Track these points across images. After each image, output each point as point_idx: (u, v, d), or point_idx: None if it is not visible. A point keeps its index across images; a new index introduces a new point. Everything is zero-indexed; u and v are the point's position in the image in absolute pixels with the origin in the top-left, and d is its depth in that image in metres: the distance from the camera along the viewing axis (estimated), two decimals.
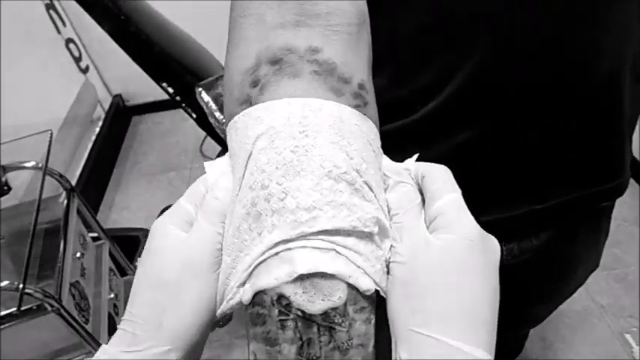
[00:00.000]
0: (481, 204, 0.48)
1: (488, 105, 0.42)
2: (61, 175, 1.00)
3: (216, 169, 0.31)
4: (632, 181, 1.66)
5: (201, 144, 2.23)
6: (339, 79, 0.29)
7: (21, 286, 0.73)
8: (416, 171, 0.30)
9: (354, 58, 0.30)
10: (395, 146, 0.46)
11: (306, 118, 0.27)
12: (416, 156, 0.30)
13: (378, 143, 0.31)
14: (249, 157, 0.28)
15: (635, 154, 1.64)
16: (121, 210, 2.01)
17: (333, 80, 0.29)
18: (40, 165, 0.96)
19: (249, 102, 0.29)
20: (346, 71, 0.29)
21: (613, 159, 0.51)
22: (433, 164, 0.30)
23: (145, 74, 1.20)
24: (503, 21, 0.38)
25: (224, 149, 1.49)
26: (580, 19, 0.39)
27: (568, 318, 1.41)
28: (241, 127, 0.29)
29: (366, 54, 0.31)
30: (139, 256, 1.38)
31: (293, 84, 0.28)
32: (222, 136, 1.04)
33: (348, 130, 0.28)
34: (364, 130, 0.29)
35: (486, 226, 0.49)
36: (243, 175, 0.28)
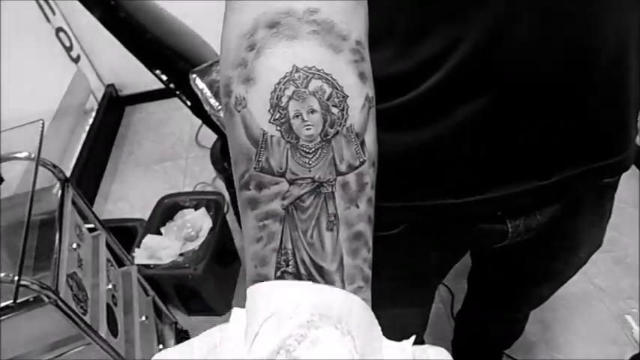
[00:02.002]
0: (485, 181, 0.49)
1: (489, 80, 0.41)
2: (54, 166, 0.98)
3: (240, 321, 0.29)
4: (636, 168, 1.66)
5: (197, 133, 2.21)
6: (337, 36, 0.29)
7: (16, 278, 0.72)
8: (413, 354, 0.28)
9: (352, 16, 0.30)
10: (399, 123, 0.46)
11: (316, 308, 0.26)
12: (413, 338, 0.28)
13: (378, 330, 0.29)
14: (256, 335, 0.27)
15: None
16: (116, 201, 2.00)
17: (331, 37, 0.29)
18: (32, 156, 0.94)
19: (244, 65, 0.29)
20: (344, 28, 0.29)
21: (616, 134, 0.50)
22: (430, 348, 0.28)
23: (138, 63, 1.18)
24: None
25: (220, 137, 1.48)
26: None
27: (567, 300, 1.41)
28: (250, 300, 0.28)
29: (363, 15, 0.31)
30: (137, 247, 1.37)
31: (291, 45, 0.28)
32: (218, 123, 1.02)
33: (354, 324, 0.27)
34: (368, 319, 0.28)
35: (491, 203, 0.49)
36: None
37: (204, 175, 2.00)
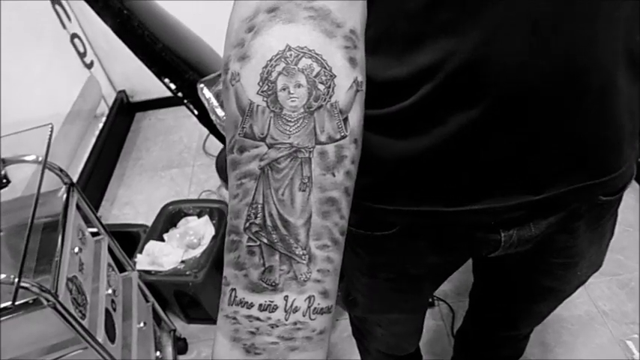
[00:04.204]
0: (476, 192, 0.50)
1: (481, 92, 0.42)
2: (61, 170, 1.00)
3: None
4: (636, 186, 1.65)
5: (204, 141, 2.23)
6: (332, 23, 0.30)
7: (16, 280, 0.72)
8: None
9: (349, 8, 0.31)
10: (392, 130, 0.47)
11: None
12: None
13: None
14: None
15: None
16: (122, 206, 2.01)
17: (326, 24, 0.30)
18: (40, 159, 0.96)
19: (241, 45, 0.30)
20: (340, 17, 0.31)
21: (608, 153, 0.50)
22: None
23: (148, 70, 1.20)
24: (503, 3, 0.38)
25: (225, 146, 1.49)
26: (579, 7, 0.39)
27: (570, 323, 1.39)
28: None
29: (360, 10, 0.32)
30: (139, 253, 1.38)
31: (287, 28, 0.30)
32: (224, 132, 1.03)
33: None
34: None
35: (482, 213, 0.50)
36: None
37: (209, 183, 2.01)
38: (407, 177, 0.50)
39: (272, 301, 0.29)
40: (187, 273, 1.32)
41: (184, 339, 1.44)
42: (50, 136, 0.98)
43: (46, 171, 0.94)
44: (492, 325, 0.95)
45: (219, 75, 1.09)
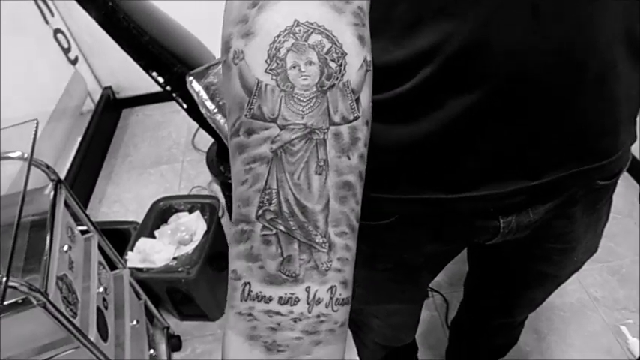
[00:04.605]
0: (475, 178, 0.49)
1: (480, 76, 0.42)
2: (48, 167, 0.97)
3: None
4: (626, 174, 1.67)
5: (193, 137, 2.21)
6: None
7: (5, 279, 0.71)
8: None
9: None
10: (391, 115, 0.46)
11: None
12: None
13: None
14: None
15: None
16: (112, 204, 1.98)
17: None
18: (25, 156, 0.93)
19: (245, 21, 0.28)
20: None
21: (606, 137, 0.51)
22: None
23: (136, 65, 1.18)
24: None
25: (216, 141, 1.47)
26: None
27: (562, 310, 1.41)
28: None
29: None
30: (130, 250, 1.36)
31: (294, 3, 0.28)
32: (214, 126, 1.02)
33: None
34: None
35: (482, 200, 0.49)
36: None
37: (200, 179, 1.99)
38: (406, 164, 0.49)
39: (293, 293, 0.27)
40: (180, 269, 1.30)
41: (178, 336, 1.43)
42: (36, 131, 0.96)
43: (33, 168, 0.92)
44: (488, 313, 0.95)
45: (208, 67, 1.07)
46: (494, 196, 0.50)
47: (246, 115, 0.28)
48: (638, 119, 0.54)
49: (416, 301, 0.82)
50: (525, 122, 0.45)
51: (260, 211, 0.28)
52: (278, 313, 0.27)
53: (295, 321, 0.27)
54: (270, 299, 0.27)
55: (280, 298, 0.27)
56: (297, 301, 0.27)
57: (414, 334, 0.96)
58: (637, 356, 1.26)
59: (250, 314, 0.27)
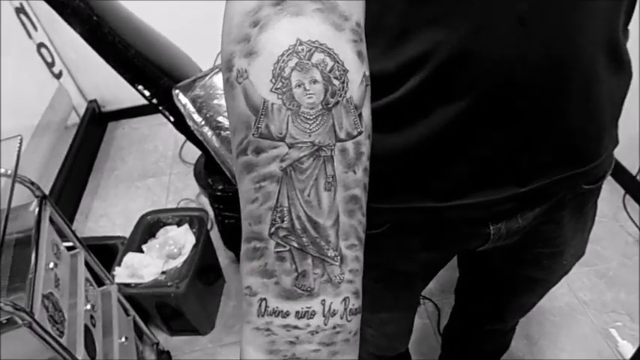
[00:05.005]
0: (464, 186, 0.50)
1: (468, 84, 0.42)
2: (32, 183, 0.96)
3: None
4: (610, 178, 1.69)
5: (180, 149, 2.19)
6: (340, 16, 0.29)
7: None
8: None
9: (353, 1, 0.31)
10: (380, 125, 0.46)
11: None
12: None
13: None
14: None
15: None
16: (98, 218, 1.96)
17: (334, 16, 0.29)
18: (9, 172, 0.92)
19: (247, 40, 0.29)
20: (346, 10, 0.30)
21: (590, 142, 0.52)
22: None
23: (121, 79, 1.17)
24: None
25: (203, 153, 1.47)
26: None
27: (552, 315, 1.42)
28: None
29: (362, 3, 0.32)
30: (118, 265, 1.34)
31: (295, 21, 0.28)
32: (201, 138, 1.01)
33: None
34: None
35: (471, 208, 0.50)
36: None
37: (187, 192, 1.97)
38: (396, 173, 0.50)
39: (310, 307, 0.28)
40: (169, 284, 1.28)
41: (168, 352, 1.40)
42: (19, 147, 0.95)
43: (17, 184, 0.91)
44: (478, 319, 0.95)
45: (195, 80, 1.07)
46: (485, 204, 0.50)
47: (254, 134, 0.29)
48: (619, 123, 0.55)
49: (409, 308, 0.82)
50: (513, 128, 0.46)
51: (273, 229, 0.29)
52: (296, 327, 0.28)
53: (313, 334, 0.28)
54: (287, 314, 0.28)
55: (297, 312, 0.28)
56: (313, 314, 0.28)
57: (407, 342, 0.96)
58: (628, 358, 1.28)
59: (268, 329, 0.28)
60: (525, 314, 0.89)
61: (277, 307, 0.28)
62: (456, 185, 0.50)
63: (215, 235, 1.61)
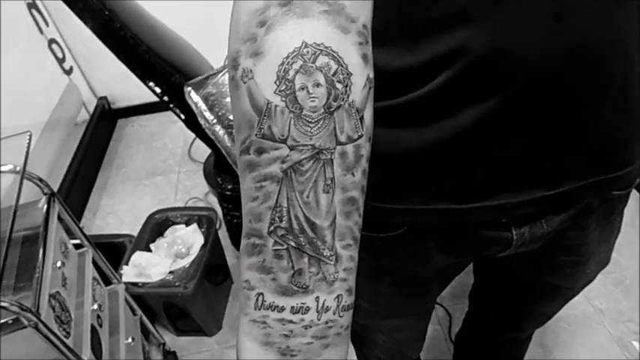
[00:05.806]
0: (488, 188, 0.48)
1: (498, 83, 0.40)
2: (40, 180, 0.94)
3: None
4: None
5: (190, 147, 2.18)
6: (347, 18, 0.30)
7: None
8: None
9: (361, 3, 0.31)
10: (404, 121, 0.45)
11: None
12: None
13: None
14: None
15: None
16: (106, 215, 1.95)
17: (340, 19, 0.29)
18: (17, 168, 0.90)
19: (253, 39, 0.29)
20: (353, 12, 0.30)
21: (624, 147, 0.50)
22: None
23: (131, 76, 1.16)
24: None
25: (213, 151, 1.45)
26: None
27: (567, 323, 1.38)
28: None
29: (370, 5, 0.32)
30: (125, 264, 1.33)
31: (301, 22, 0.29)
32: (212, 137, 0.99)
33: None
34: None
35: (494, 210, 0.48)
36: None
37: (196, 190, 1.96)
38: (416, 173, 0.48)
39: (304, 303, 0.30)
40: (176, 284, 1.27)
41: (174, 352, 1.39)
42: (29, 144, 0.93)
43: (25, 181, 0.89)
44: (496, 327, 0.93)
45: (207, 77, 1.05)
46: (508, 206, 0.48)
47: (256, 135, 0.30)
48: None
49: (423, 315, 0.80)
50: (544, 129, 0.44)
51: (272, 227, 0.30)
52: (290, 321, 0.30)
53: (306, 328, 0.30)
54: (282, 309, 0.30)
55: (292, 307, 0.30)
56: (307, 310, 0.30)
57: (420, 349, 0.93)
58: None
59: (264, 322, 0.30)
60: (545, 323, 0.86)
61: (273, 302, 0.30)
62: (479, 187, 0.48)
63: (223, 234, 1.60)
